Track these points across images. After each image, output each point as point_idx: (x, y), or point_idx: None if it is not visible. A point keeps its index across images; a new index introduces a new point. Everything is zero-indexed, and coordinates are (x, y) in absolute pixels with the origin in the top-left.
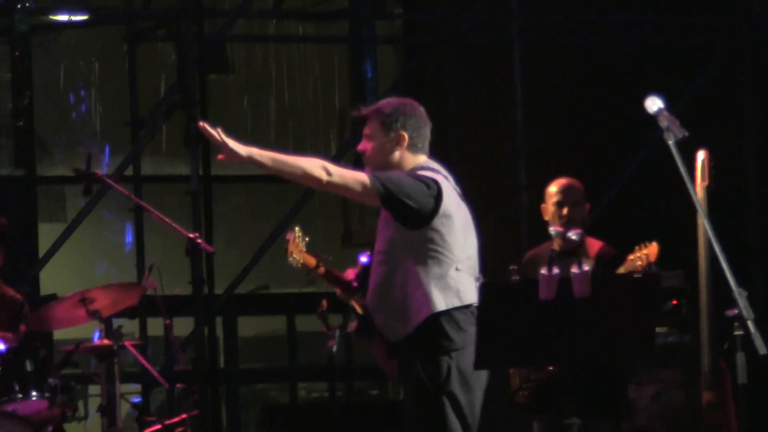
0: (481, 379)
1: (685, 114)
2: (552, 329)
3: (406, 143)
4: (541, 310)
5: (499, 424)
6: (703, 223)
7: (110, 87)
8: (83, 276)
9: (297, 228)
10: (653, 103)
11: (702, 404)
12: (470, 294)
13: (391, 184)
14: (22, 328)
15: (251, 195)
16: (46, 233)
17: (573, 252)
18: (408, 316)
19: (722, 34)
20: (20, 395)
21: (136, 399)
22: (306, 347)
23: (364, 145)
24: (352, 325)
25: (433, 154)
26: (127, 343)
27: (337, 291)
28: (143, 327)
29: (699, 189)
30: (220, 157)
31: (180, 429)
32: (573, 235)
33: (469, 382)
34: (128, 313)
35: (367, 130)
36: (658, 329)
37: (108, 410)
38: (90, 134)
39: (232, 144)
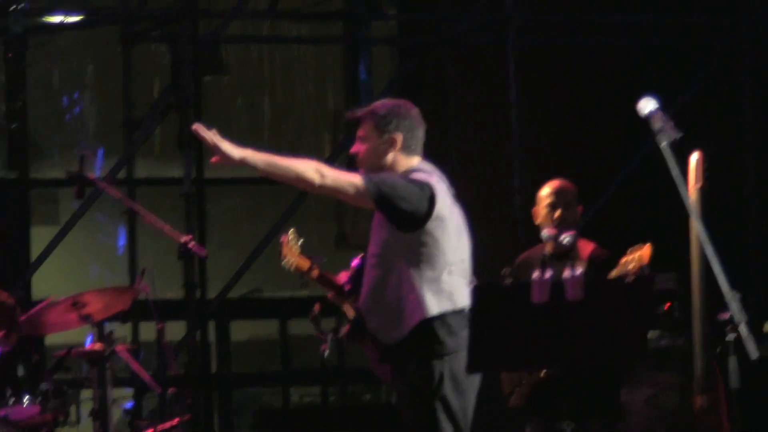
0: (473, 382)
1: (684, 114)
2: (545, 332)
3: (399, 145)
4: (533, 313)
5: (493, 427)
6: (696, 226)
7: (105, 89)
8: (76, 279)
9: (291, 230)
10: (646, 105)
11: (695, 408)
12: (463, 297)
13: (385, 186)
14: (13, 334)
15: (245, 197)
16: (39, 236)
17: (565, 255)
18: (401, 319)
19: (722, 34)
20: (12, 400)
21: (129, 404)
22: (299, 351)
23: (358, 147)
24: (344, 330)
25: (433, 154)
26: (119, 348)
27: (329, 294)
28: (135, 331)
29: (692, 190)
30: (213, 159)
31: None
32: (565, 238)
33: (462, 386)
34: (120, 317)
35: (360, 132)
36: (651, 332)
37: (100, 415)
38: (84, 136)
39: (226, 146)
